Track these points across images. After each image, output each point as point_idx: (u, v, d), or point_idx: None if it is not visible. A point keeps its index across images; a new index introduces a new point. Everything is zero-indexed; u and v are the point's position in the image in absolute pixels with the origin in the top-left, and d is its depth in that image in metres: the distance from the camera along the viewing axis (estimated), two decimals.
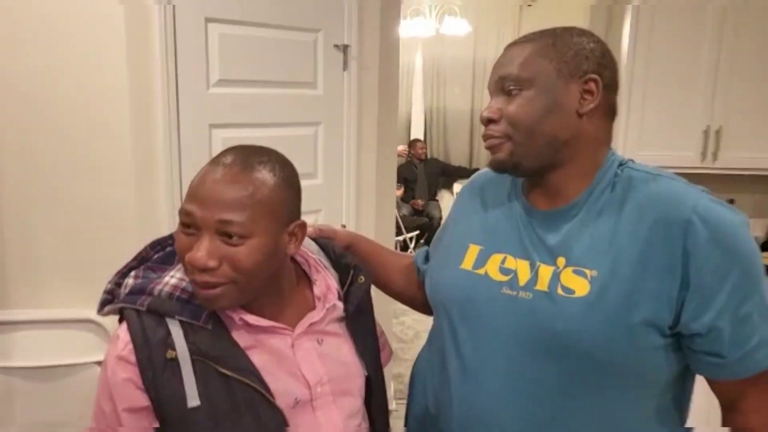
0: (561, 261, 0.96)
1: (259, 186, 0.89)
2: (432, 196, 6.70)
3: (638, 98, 2.81)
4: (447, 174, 6.77)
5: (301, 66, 2.34)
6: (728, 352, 0.90)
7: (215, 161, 0.92)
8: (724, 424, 1.00)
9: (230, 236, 0.87)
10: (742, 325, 0.89)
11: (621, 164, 1.01)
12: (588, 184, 0.99)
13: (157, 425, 0.91)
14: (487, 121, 1.00)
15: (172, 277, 0.95)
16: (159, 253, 1.01)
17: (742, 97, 2.82)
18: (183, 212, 0.89)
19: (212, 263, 0.86)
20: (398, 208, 6.21)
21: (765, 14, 2.73)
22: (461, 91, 6.92)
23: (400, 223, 5.83)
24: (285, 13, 2.25)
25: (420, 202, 6.45)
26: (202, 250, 0.86)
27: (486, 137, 1.01)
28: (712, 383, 0.99)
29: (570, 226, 0.98)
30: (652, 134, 2.83)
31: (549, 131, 0.96)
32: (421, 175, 6.57)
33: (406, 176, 6.42)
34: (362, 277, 1.07)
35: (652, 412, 0.98)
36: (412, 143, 6.69)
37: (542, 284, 0.96)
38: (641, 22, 2.76)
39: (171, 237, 1.01)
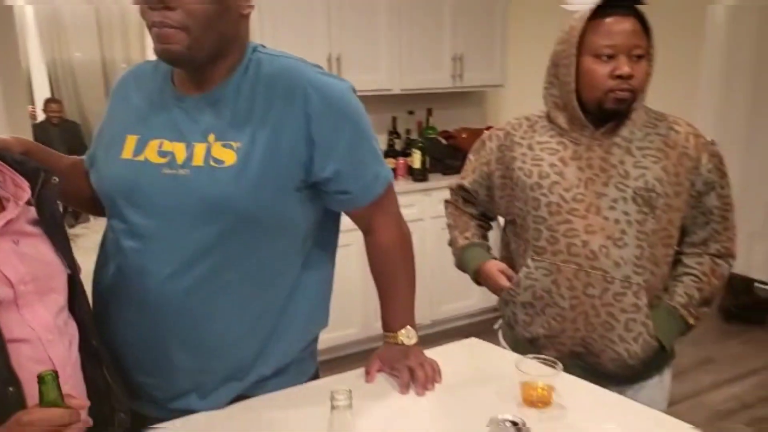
0: (211, 137, 1.10)
1: None
2: None
3: (270, 28, 3.08)
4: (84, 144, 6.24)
5: None
6: (352, 187, 1.16)
7: None
8: (366, 248, 1.29)
9: None
10: (358, 166, 1.16)
11: (254, 50, 1.17)
12: (232, 71, 1.13)
13: None
14: (161, 7, 1.02)
15: None
16: None
17: (355, 27, 3.31)
18: None
19: None
20: None
21: None
22: (87, 42, 6.40)
23: None
24: None
25: None
26: None
27: (160, 25, 1.03)
28: (350, 216, 1.25)
29: (217, 107, 1.12)
30: None
31: (222, 28, 1.07)
32: (57, 140, 5.94)
33: (41, 140, 5.73)
34: (55, 178, 1.04)
35: (301, 257, 1.21)
36: (45, 104, 5.98)
37: (197, 160, 1.09)
38: None
39: None
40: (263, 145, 1.08)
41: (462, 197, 1.65)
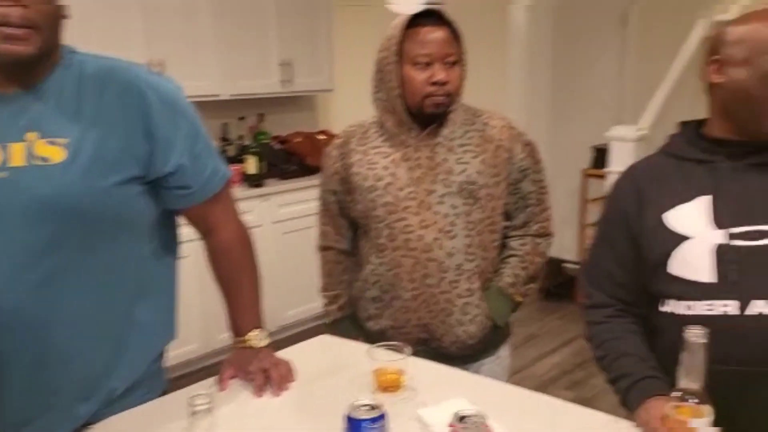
0: (32, 136, 1.04)
1: None
2: None
3: (79, 31, 2.87)
4: None
5: None
6: (193, 182, 1.17)
7: None
8: (208, 250, 1.27)
9: None
10: (197, 161, 1.17)
11: (71, 51, 1.13)
12: (51, 70, 1.08)
13: None
14: (12, 3, 0.97)
15: None
16: None
17: (177, 31, 3.20)
18: None
19: None
20: None
21: None
22: None
23: None
24: None
25: None
26: None
27: (19, 20, 0.98)
28: (189, 216, 1.24)
29: (37, 105, 1.06)
30: None
31: (59, 26, 1.06)
32: None
33: None
34: None
35: (143, 259, 1.18)
36: None
37: (17, 161, 1.03)
38: None
39: None
40: (94, 141, 1.06)
41: (333, 209, 1.61)
